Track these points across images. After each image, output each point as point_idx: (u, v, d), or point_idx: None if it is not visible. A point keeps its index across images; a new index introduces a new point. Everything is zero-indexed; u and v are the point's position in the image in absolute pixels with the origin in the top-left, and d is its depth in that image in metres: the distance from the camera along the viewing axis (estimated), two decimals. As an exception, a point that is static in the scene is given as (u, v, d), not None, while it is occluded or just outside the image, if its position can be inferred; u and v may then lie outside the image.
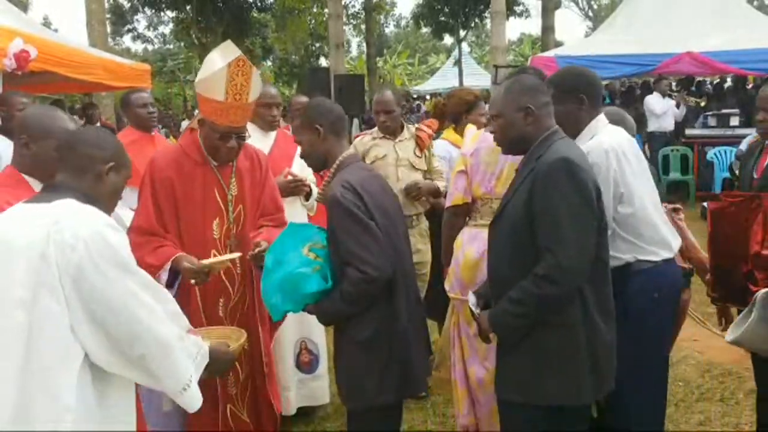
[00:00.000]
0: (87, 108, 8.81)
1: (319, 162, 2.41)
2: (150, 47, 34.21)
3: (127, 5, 26.64)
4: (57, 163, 2.07)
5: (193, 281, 2.48)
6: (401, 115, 3.80)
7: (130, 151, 4.18)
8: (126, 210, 3.92)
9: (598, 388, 2.11)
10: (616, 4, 21.79)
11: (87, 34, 11.99)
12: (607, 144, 2.36)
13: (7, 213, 1.71)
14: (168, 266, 2.49)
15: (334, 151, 2.36)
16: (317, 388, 3.48)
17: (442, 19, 25.18)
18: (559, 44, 15.82)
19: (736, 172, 2.95)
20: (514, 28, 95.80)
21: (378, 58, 29.21)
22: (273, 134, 3.49)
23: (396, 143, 3.66)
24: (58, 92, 10.77)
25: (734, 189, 2.94)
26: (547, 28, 17.70)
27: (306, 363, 3.47)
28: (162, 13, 26.74)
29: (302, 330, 3.42)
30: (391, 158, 3.62)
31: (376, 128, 3.78)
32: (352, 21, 27.84)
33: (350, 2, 25.39)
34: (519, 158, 2.29)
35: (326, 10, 16.68)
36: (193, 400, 1.72)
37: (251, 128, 3.48)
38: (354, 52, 36.75)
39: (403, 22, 41.88)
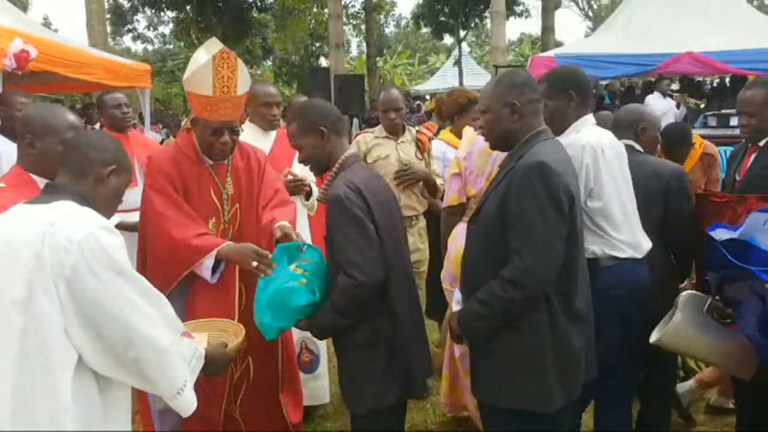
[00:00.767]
0: (87, 108, 8.80)
1: (322, 165, 2.38)
2: (150, 47, 34.25)
3: (127, 5, 26.64)
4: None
5: (255, 264, 2.37)
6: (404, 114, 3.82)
7: None
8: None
9: (566, 394, 2.10)
10: (616, 4, 21.79)
11: (87, 34, 12.00)
12: (585, 140, 2.41)
13: (6, 213, 1.71)
14: (214, 253, 2.48)
15: (336, 152, 2.34)
16: (317, 388, 3.48)
17: (442, 19, 25.18)
18: (559, 44, 15.83)
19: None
20: (514, 28, 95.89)
21: (378, 58, 29.21)
22: (273, 134, 3.50)
23: (398, 144, 3.67)
24: (58, 92, 10.79)
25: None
26: (547, 28, 17.73)
27: (306, 363, 3.47)
28: (162, 13, 26.76)
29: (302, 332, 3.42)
30: (393, 158, 3.63)
31: (378, 127, 3.78)
32: (352, 21, 27.87)
33: (350, 2, 25.44)
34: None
35: (326, 10, 16.69)
36: (187, 404, 1.71)
37: (251, 128, 3.49)
38: (354, 52, 36.77)
39: (403, 22, 41.95)
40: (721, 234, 2.17)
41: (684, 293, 2.50)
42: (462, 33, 26.56)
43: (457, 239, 2.89)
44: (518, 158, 2.08)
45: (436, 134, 4.11)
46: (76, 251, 1.53)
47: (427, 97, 26.36)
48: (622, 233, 2.45)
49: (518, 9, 23.22)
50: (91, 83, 7.18)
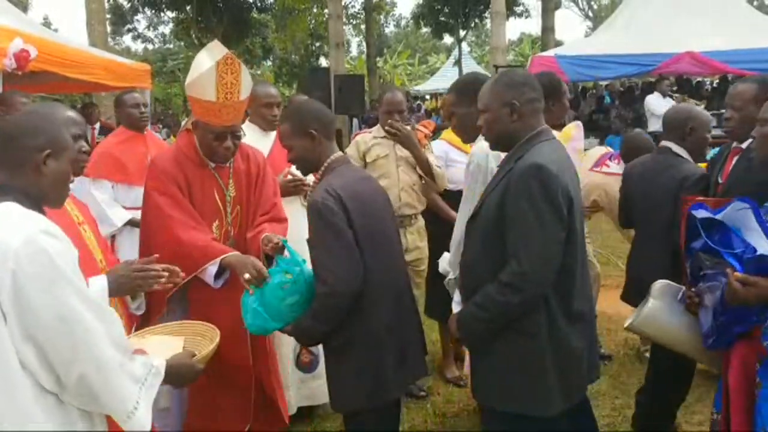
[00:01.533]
0: (86, 108, 8.79)
1: (312, 166, 2.37)
2: (150, 47, 34.22)
3: (127, 5, 26.59)
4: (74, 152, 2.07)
5: (247, 276, 2.37)
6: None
7: (122, 149, 4.26)
8: (119, 209, 3.95)
9: (566, 396, 2.08)
10: (616, 4, 21.79)
11: (87, 34, 11.98)
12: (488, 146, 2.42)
13: None
14: (218, 261, 2.51)
15: (325, 155, 2.33)
16: (317, 388, 3.47)
17: (442, 19, 25.17)
18: (559, 44, 15.80)
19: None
20: (514, 28, 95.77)
21: (378, 58, 29.20)
22: (273, 134, 3.49)
23: (396, 144, 3.67)
24: (58, 92, 10.79)
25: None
26: (547, 28, 17.70)
27: (306, 363, 3.46)
28: (162, 13, 26.72)
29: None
30: (392, 157, 3.64)
31: (376, 127, 3.78)
32: (352, 21, 27.84)
33: (350, 2, 25.42)
34: None
35: (326, 10, 16.67)
36: (141, 424, 1.55)
37: (251, 128, 3.49)
38: (354, 52, 36.73)
39: (403, 22, 41.95)
40: (701, 213, 2.15)
41: (659, 281, 2.50)
42: (462, 33, 26.55)
43: None
44: (517, 159, 2.06)
45: (437, 134, 4.11)
46: (13, 259, 1.39)
47: (427, 97, 26.35)
48: None
49: (518, 9, 23.20)
50: (91, 83, 7.17)
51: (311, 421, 3.53)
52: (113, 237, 3.90)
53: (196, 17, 22.41)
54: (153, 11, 26.61)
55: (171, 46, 32.48)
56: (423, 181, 3.71)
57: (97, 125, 8.62)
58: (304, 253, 2.37)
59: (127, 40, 33.21)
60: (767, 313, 1.96)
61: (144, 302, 2.31)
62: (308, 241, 2.25)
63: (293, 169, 3.34)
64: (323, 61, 27.27)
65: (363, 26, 26.39)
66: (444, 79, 28.15)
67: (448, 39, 32.70)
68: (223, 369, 2.58)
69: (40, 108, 2.18)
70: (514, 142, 2.13)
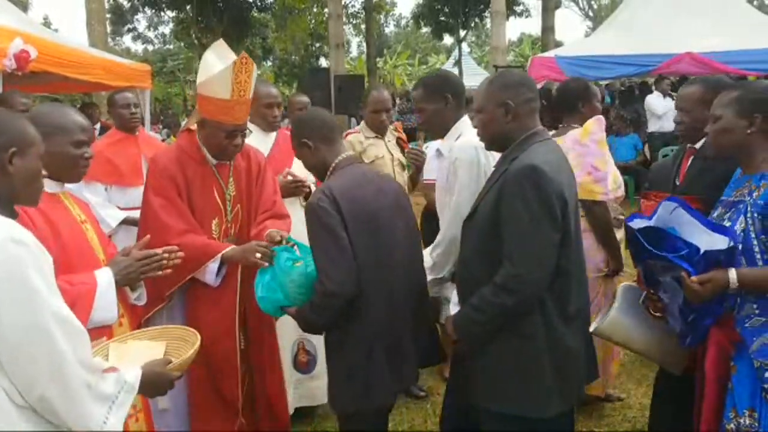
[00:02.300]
0: (86, 108, 8.79)
1: (321, 172, 2.42)
2: (150, 47, 34.23)
3: (127, 5, 26.61)
4: (71, 159, 2.08)
5: (258, 256, 2.47)
6: None
7: (113, 151, 4.25)
8: (113, 209, 3.94)
9: (565, 397, 2.08)
10: (616, 4, 21.79)
11: (87, 34, 11.99)
12: (476, 141, 2.41)
13: None
14: (219, 257, 2.57)
15: (329, 159, 2.36)
16: (315, 388, 3.48)
17: (442, 19, 25.14)
18: (559, 44, 15.80)
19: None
20: (514, 28, 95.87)
21: (378, 58, 29.18)
22: (273, 134, 3.51)
23: (387, 143, 3.74)
24: (57, 92, 10.79)
25: None
26: (547, 28, 17.68)
27: (303, 363, 3.48)
28: (162, 13, 26.72)
29: (300, 330, 3.41)
30: (388, 158, 3.67)
31: (362, 127, 3.81)
32: (352, 21, 27.83)
33: (350, 2, 25.40)
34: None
35: (326, 10, 16.66)
36: None
37: (252, 128, 3.49)
38: (354, 52, 36.72)
39: (403, 22, 41.97)
40: (637, 223, 2.17)
41: (622, 285, 2.52)
42: (462, 33, 26.53)
43: None
44: (512, 160, 2.06)
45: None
46: None
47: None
48: None
49: (518, 9, 23.19)
50: (91, 83, 7.17)
51: (311, 421, 3.53)
52: (110, 237, 3.89)
53: (196, 17, 22.41)
54: (153, 11, 26.62)
55: (171, 46, 32.48)
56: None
57: (98, 125, 8.62)
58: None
59: (127, 40, 33.26)
60: (731, 300, 2.02)
61: (144, 292, 2.32)
62: (309, 240, 2.28)
63: (293, 169, 3.36)
64: (323, 61, 27.28)
65: (363, 26, 26.37)
66: (444, 79, 28.12)
67: (448, 39, 32.70)
68: (214, 367, 2.68)
69: (46, 108, 2.18)
70: (509, 143, 2.13)
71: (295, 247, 2.44)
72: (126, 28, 30.22)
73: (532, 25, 54.69)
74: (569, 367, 2.07)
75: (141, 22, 30.52)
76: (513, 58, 28.07)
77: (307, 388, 3.45)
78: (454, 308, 2.30)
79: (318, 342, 3.47)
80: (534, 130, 2.12)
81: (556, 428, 2.12)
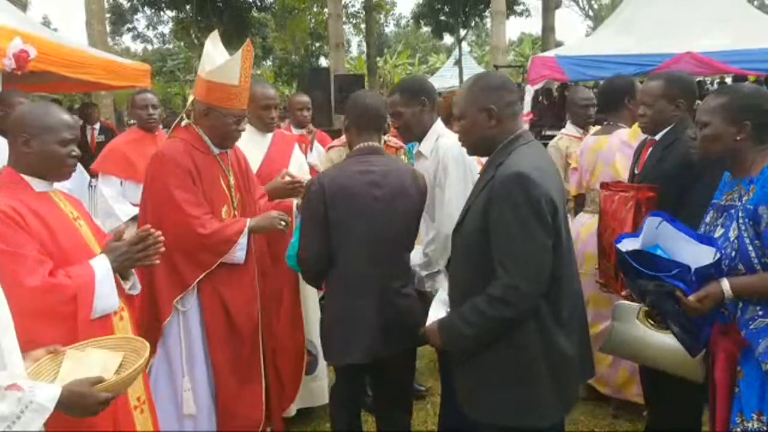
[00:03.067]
0: (86, 108, 8.79)
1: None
2: (150, 47, 34.23)
3: (127, 5, 26.61)
4: (58, 158, 2.07)
5: (282, 224, 2.80)
6: None
7: (130, 148, 4.31)
8: (125, 204, 3.95)
9: (563, 403, 2.05)
10: (616, 4, 21.77)
11: (87, 34, 12.00)
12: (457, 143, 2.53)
13: None
14: (246, 230, 2.73)
15: (353, 144, 2.60)
16: (316, 389, 3.48)
17: (442, 18, 25.18)
18: (559, 44, 15.81)
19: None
20: (514, 28, 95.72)
21: (378, 58, 29.17)
22: (269, 135, 3.48)
23: None
24: (57, 92, 10.78)
25: None
26: (547, 28, 17.69)
27: (306, 364, 3.47)
28: (162, 13, 26.74)
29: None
30: None
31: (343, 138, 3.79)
32: (352, 21, 27.84)
33: (350, 2, 25.42)
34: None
35: (326, 10, 16.68)
36: None
37: (249, 129, 3.47)
38: (354, 52, 36.72)
39: (403, 22, 41.96)
40: (626, 245, 2.17)
41: (617, 303, 2.54)
42: (462, 32, 26.55)
43: (575, 224, 3.50)
44: (497, 165, 2.02)
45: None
46: None
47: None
48: None
49: (518, 8, 23.24)
50: (91, 83, 7.18)
51: (311, 421, 3.53)
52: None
53: (196, 17, 22.42)
54: (153, 11, 26.62)
55: (171, 46, 32.47)
56: None
57: (97, 125, 8.62)
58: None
59: (126, 40, 33.27)
60: (731, 305, 2.02)
61: (137, 281, 2.31)
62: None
63: (291, 169, 3.35)
64: (323, 61, 27.30)
65: (363, 26, 26.37)
66: (444, 79, 28.14)
67: (448, 39, 32.74)
68: (238, 340, 2.80)
69: (30, 107, 2.18)
70: (493, 148, 2.09)
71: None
72: (126, 27, 30.22)
73: (532, 25, 54.76)
74: (565, 373, 2.02)
75: (141, 21, 30.54)
76: (513, 58, 28.04)
77: (308, 389, 3.45)
78: (435, 311, 2.26)
79: (319, 343, 3.47)
80: (517, 133, 2.09)
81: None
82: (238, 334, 2.79)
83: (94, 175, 4.37)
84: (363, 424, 2.89)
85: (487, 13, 22.15)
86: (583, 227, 3.53)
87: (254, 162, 3.34)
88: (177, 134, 2.82)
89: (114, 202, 3.94)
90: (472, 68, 28.26)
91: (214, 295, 2.75)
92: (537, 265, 1.91)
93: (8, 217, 1.95)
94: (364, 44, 26.39)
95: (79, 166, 4.33)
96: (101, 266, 2.08)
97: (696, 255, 2.02)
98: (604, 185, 2.92)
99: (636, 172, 2.86)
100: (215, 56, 2.68)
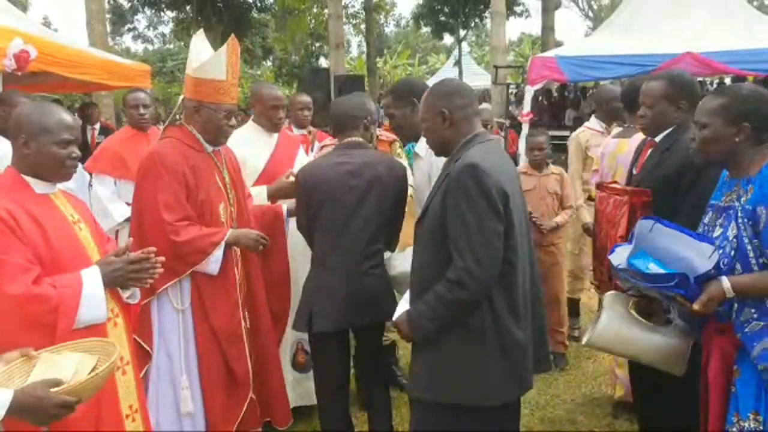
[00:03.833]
0: (86, 108, 8.79)
1: None
2: (150, 47, 34.23)
3: (127, 5, 26.60)
4: (57, 159, 2.07)
5: (261, 248, 2.87)
6: None
7: (124, 146, 4.35)
8: (121, 204, 3.96)
9: (510, 388, 2.15)
10: (616, 4, 21.79)
11: (87, 34, 11.99)
12: None
13: None
14: (222, 244, 2.71)
15: (340, 140, 2.86)
16: (313, 387, 3.48)
17: (442, 19, 25.16)
18: (559, 44, 15.78)
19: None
20: (514, 28, 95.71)
21: (378, 58, 29.17)
22: (276, 135, 3.55)
23: None
24: (57, 92, 10.78)
25: None
26: (547, 28, 17.68)
27: (302, 363, 3.50)
28: (162, 13, 26.74)
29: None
30: None
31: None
32: (352, 21, 27.85)
33: (350, 2, 25.42)
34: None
35: (326, 10, 16.67)
36: None
37: (255, 128, 3.52)
38: (354, 52, 36.74)
39: (403, 22, 42.00)
40: (620, 254, 2.21)
41: (608, 294, 2.53)
42: (462, 33, 26.54)
43: None
44: (455, 161, 2.16)
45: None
46: None
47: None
48: None
49: (518, 9, 23.20)
50: (91, 83, 7.18)
51: (310, 421, 3.53)
52: (117, 232, 3.92)
53: (196, 17, 22.41)
54: (153, 11, 26.63)
55: (171, 46, 32.47)
56: None
57: (98, 125, 8.62)
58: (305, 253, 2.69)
59: (127, 40, 33.28)
60: (726, 305, 2.01)
61: (137, 290, 2.30)
62: None
63: (295, 170, 3.36)
64: (323, 61, 27.30)
65: (363, 26, 26.37)
66: (444, 79, 28.11)
67: (448, 39, 32.73)
68: (224, 345, 2.80)
69: (30, 108, 2.16)
70: (451, 148, 2.25)
71: None
72: (126, 27, 30.25)
73: (532, 25, 54.74)
74: (515, 359, 2.13)
75: (141, 21, 30.57)
76: (513, 58, 28.05)
77: (305, 388, 3.46)
78: (405, 300, 2.35)
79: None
80: (473, 134, 2.24)
81: (499, 418, 2.17)
82: (219, 340, 2.78)
83: (88, 173, 4.39)
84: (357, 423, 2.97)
85: (486, 14, 22.14)
86: None
87: (260, 161, 3.40)
88: (170, 133, 2.81)
89: (109, 202, 3.96)
90: (472, 68, 28.31)
91: (196, 298, 2.75)
92: (489, 250, 2.04)
93: (1, 220, 1.93)
94: (364, 45, 26.41)
95: (80, 166, 4.37)
96: (91, 279, 2.04)
97: (697, 252, 2.03)
98: (599, 186, 2.92)
99: (634, 173, 2.85)
100: (200, 52, 2.70)
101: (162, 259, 2.17)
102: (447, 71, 29.89)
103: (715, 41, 7.85)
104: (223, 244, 2.69)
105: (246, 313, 2.93)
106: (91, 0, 11.91)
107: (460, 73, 26.27)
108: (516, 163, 9.93)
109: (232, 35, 2.71)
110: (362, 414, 3.40)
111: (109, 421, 2.12)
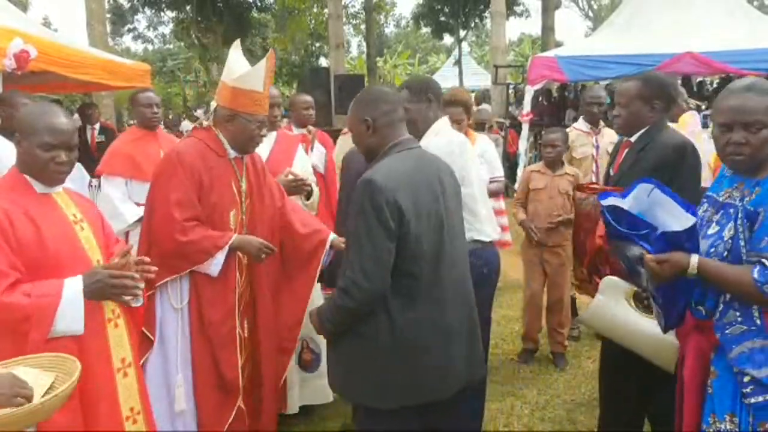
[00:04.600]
0: (86, 108, 8.78)
1: None
2: (150, 47, 34.24)
3: (127, 5, 26.60)
4: (40, 162, 2.03)
5: (263, 257, 2.79)
6: None
7: (133, 147, 4.34)
8: (132, 205, 3.96)
9: (408, 392, 2.16)
10: (616, 4, 21.79)
11: (87, 34, 12.00)
12: (454, 137, 2.85)
13: None
14: (227, 248, 2.69)
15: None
16: (319, 387, 3.48)
17: (442, 19, 25.18)
18: (559, 44, 15.80)
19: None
20: (514, 28, 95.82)
21: (378, 58, 29.18)
22: (273, 134, 3.53)
23: None
24: (57, 92, 10.78)
25: None
26: (547, 28, 17.69)
27: (308, 362, 3.48)
28: (162, 13, 26.75)
29: (305, 329, 3.43)
30: None
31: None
32: (352, 21, 27.87)
33: (350, 2, 25.44)
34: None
35: (326, 10, 16.68)
36: None
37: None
38: (354, 52, 36.75)
39: (403, 22, 42.01)
40: (610, 201, 2.16)
41: (606, 278, 2.53)
42: (462, 33, 26.55)
43: None
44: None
45: None
46: None
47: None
48: (487, 216, 2.92)
49: (518, 9, 23.22)
50: (91, 83, 7.17)
51: (313, 420, 3.53)
52: (127, 234, 3.91)
53: (196, 17, 22.42)
54: (153, 11, 26.63)
55: (171, 46, 32.50)
56: None
57: (97, 125, 8.62)
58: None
59: (127, 40, 33.26)
60: (710, 303, 1.99)
61: (141, 295, 2.24)
62: None
63: (294, 169, 3.37)
64: (323, 61, 27.30)
65: (363, 26, 26.38)
66: (444, 79, 28.07)
67: (448, 39, 32.73)
68: (215, 347, 2.77)
69: (30, 108, 2.15)
70: (376, 155, 2.26)
71: None
72: (126, 28, 30.25)
73: (532, 25, 54.69)
74: (416, 365, 2.15)
75: (141, 22, 30.57)
76: (513, 58, 28.05)
77: (311, 387, 3.46)
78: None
79: (322, 341, 3.48)
80: (395, 141, 2.24)
81: (400, 419, 2.19)
82: (211, 341, 2.76)
83: (96, 176, 4.38)
84: None
85: (486, 14, 22.15)
86: None
87: (258, 160, 3.40)
88: (196, 134, 2.84)
89: (120, 203, 3.94)
90: (472, 68, 28.36)
91: (194, 297, 2.75)
92: (377, 264, 2.07)
93: None
94: (364, 44, 26.41)
95: (80, 166, 4.36)
96: (72, 289, 1.99)
97: (684, 222, 1.98)
98: (579, 186, 2.95)
99: (611, 173, 2.86)
100: (239, 63, 2.73)
101: (154, 268, 2.16)
102: (447, 71, 29.93)
103: (715, 41, 7.87)
104: (227, 248, 2.69)
105: (245, 321, 2.87)
106: (91, 0, 11.92)
107: (460, 72, 26.29)
108: (516, 163, 9.94)
109: (271, 50, 2.72)
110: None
111: (105, 423, 2.09)
